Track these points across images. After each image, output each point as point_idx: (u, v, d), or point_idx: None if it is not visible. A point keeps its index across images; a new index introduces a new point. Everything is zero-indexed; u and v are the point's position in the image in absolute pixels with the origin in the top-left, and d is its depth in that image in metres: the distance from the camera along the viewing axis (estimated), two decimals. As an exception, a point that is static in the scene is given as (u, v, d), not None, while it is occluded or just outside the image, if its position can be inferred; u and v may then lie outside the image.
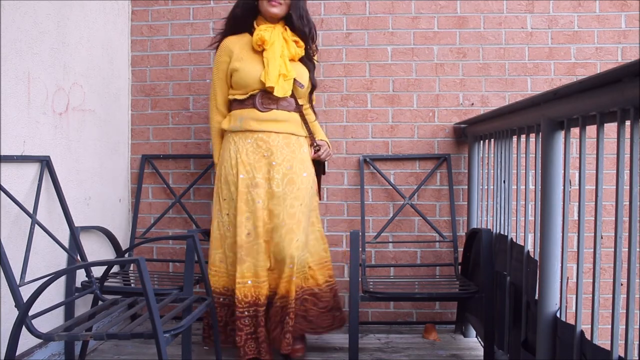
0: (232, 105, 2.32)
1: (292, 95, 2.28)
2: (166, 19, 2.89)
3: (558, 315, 1.51)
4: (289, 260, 2.14)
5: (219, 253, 2.26)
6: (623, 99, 1.16)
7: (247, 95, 2.25)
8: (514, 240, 1.99)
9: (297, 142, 2.29)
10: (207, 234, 2.43)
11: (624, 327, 1.16)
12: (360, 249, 2.59)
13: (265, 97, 2.23)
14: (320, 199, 2.47)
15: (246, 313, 2.14)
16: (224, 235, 2.25)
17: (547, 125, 1.56)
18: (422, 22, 2.83)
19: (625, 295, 1.17)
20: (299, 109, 2.32)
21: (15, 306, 1.62)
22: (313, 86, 2.39)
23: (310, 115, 2.42)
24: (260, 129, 2.22)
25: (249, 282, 2.15)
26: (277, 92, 2.19)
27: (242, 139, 2.24)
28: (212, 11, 2.87)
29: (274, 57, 2.20)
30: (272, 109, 2.24)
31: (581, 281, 1.42)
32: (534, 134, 1.76)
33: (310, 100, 2.42)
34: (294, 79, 2.26)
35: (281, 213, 2.17)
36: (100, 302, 2.09)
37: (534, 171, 1.78)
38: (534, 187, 1.77)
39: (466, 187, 2.76)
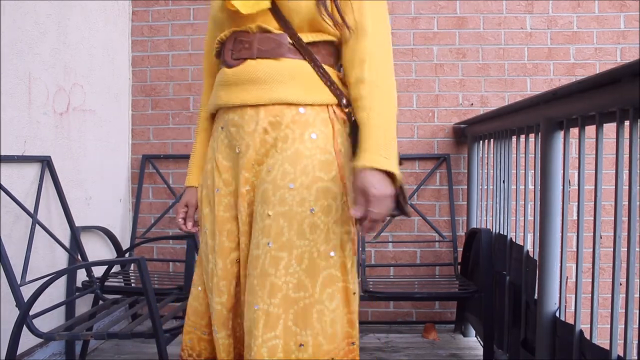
0: None
1: (281, 20, 1.17)
2: (166, 19, 2.89)
3: (557, 314, 1.52)
4: None
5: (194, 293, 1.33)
6: (622, 99, 1.17)
7: (221, 44, 1.26)
8: (514, 240, 2.00)
9: (298, 118, 1.17)
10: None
11: (623, 326, 1.17)
12: (360, 249, 2.59)
13: (238, 40, 1.20)
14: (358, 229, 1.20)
15: None
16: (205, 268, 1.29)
17: (546, 125, 1.56)
18: (422, 22, 2.83)
19: (624, 295, 1.18)
20: (304, 50, 1.17)
21: (16, 306, 1.63)
22: None
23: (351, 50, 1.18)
24: (229, 104, 1.20)
25: None
26: (238, 5, 1.15)
27: (216, 126, 1.28)
28: (212, 11, 2.87)
29: None
30: (245, 58, 1.19)
31: (580, 281, 1.42)
32: (533, 134, 1.76)
33: (341, 18, 1.17)
34: None
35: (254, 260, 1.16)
36: (100, 302, 2.10)
37: (533, 171, 1.78)
38: (533, 187, 1.78)
39: (466, 187, 2.77)
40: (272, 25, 1.18)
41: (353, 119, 1.18)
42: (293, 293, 1.12)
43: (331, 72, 1.20)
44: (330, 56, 1.22)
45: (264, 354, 1.10)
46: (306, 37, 1.18)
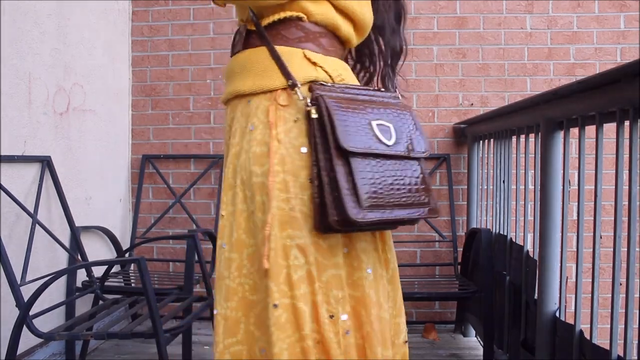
0: None
1: (249, 9, 1.11)
2: (166, 19, 2.89)
3: (557, 314, 1.52)
4: None
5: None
6: (622, 99, 1.17)
7: None
8: (514, 240, 2.00)
9: (246, 111, 1.09)
10: (207, 233, 2.44)
11: (623, 326, 1.17)
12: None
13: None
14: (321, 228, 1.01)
15: None
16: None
17: (546, 125, 1.57)
18: (422, 22, 2.83)
19: (624, 295, 1.18)
20: (262, 35, 1.09)
21: (16, 306, 1.63)
22: None
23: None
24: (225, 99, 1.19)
25: None
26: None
27: None
28: (213, 12, 2.87)
29: None
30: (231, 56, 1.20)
31: (580, 281, 1.42)
32: (533, 134, 1.76)
33: None
34: None
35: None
36: (100, 302, 2.10)
37: (533, 171, 1.78)
38: (533, 187, 1.78)
39: (466, 187, 2.77)
40: (246, 16, 1.14)
41: (317, 97, 1.01)
42: (250, 295, 1.04)
43: (289, 51, 1.08)
44: (289, 34, 1.09)
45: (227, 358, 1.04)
46: (264, 21, 1.09)
